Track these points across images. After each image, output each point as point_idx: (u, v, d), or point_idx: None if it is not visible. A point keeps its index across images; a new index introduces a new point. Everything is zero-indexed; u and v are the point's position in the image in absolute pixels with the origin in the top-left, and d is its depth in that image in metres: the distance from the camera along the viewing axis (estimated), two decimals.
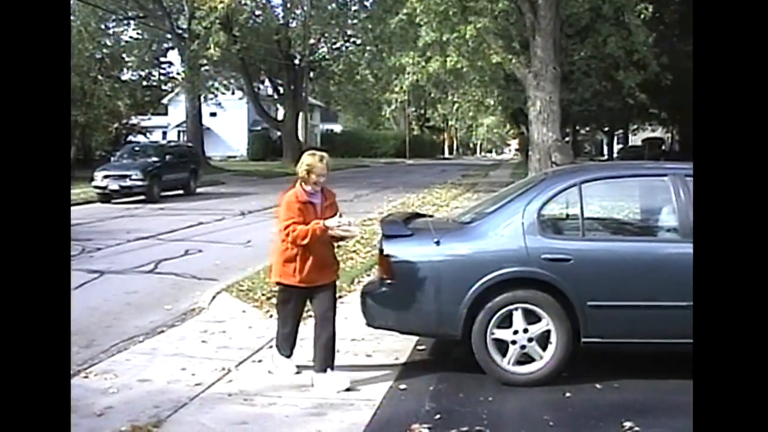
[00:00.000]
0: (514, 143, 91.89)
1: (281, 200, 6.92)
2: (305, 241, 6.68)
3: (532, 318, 6.72)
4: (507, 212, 7.01)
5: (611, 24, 24.59)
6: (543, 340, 6.73)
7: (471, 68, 24.05)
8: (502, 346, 6.76)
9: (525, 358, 6.79)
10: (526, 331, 6.70)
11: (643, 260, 6.80)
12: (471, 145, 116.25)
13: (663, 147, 50.79)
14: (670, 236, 7.06)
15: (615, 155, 57.55)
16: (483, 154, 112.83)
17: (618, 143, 63.26)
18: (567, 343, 6.69)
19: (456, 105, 44.82)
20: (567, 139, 51.90)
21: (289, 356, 7.18)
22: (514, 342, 6.73)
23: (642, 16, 22.66)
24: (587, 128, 61.64)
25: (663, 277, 6.72)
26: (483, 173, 45.21)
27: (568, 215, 7.37)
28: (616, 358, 7.23)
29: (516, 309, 6.70)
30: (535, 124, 21.86)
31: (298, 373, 7.11)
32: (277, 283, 7.14)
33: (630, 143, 61.16)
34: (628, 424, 5.83)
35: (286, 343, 7.17)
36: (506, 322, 6.73)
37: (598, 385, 6.76)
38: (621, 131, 60.98)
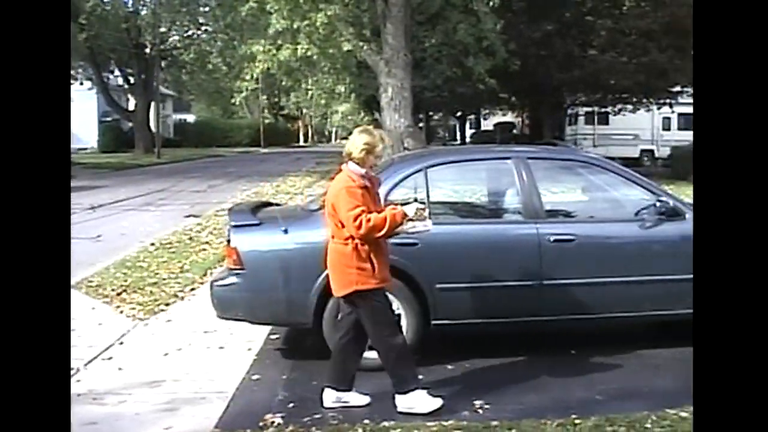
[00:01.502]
0: None
1: (336, 192, 5.82)
2: (383, 232, 5.74)
3: None
4: None
5: (461, 11, 24.98)
6: None
7: (322, 56, 23.99)
8: None
9: None
10: None
11: (489, 242, 6.97)
12: (326, 133, 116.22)
13: (514, 131, 51.89)
14: (515, 218, 7.24)
15: (468, 140, 58.50)
16: (338, 141, 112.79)
17: (471, 128, 64.31)
18: (417, 326, 6.77)
19: (309, 93, 44.71)
20: (420, 124, 52.52)
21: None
22: None
23: (491, 3, 23.09)
24: (440, 114, 62.51)
25: (508, 258, 6.91)
26: (338, 160, 45.15)
27: (415, 200, 7.43)
28: (467, 338, 7.36)
29: None
30: (387, 111, 22.00)
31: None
32: (355, 292, 5.85)
33: (482, 128, 62.23)
34: (478, 403, 5.98)
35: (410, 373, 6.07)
36: None
37: (449, 366, 6.90)
38: (473, 116, 61.98)
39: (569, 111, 41.76)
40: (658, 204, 7.05)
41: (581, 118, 41.23)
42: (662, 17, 31.86)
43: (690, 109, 38.95)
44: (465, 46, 25.64)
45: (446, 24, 25.56)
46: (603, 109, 37.64)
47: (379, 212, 5.80)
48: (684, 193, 23.09)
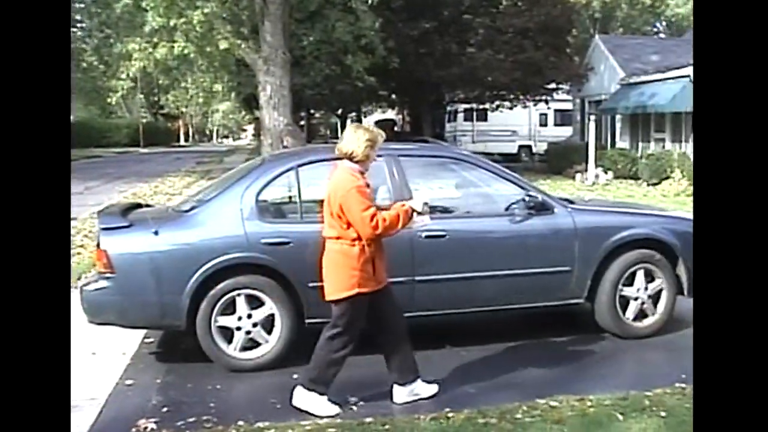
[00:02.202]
0: (251, 128, 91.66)
1: (346, 192, 5.63)
2: (396, 230, 5.74)
3: (255, 303, 6.74)
4: (225, 198, 6.97)
5: (340, 9, 24.99)
6: (268, 324, 6.77)
7: (199, 54, 23.68)
8: (228, 333, 6.74)
9: (251, 344, 6.80)
10: (250, 316, 6.72)
11: None
12: (207, 132, 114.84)
13: (395, 128, 52.30)
14: None
15: None
16: (219, 140, 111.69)
17: None
18: (292, 325, 6.77)
19: (189, 92, 44.11)
20: (302, 123, 52.40)
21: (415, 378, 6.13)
22: (239, 328, 6.73)
23: (369, 1, 23.16)
24: (322, 112, 62.51)
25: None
26: (218, 159, 44.74)
27: (287, 199, 7.42)
28: None
29: (239, 295, 6.70)
30: (266, 109, 21.84)
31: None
32: (357, 294, 5.74)
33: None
34: (353, 400, 6.03)
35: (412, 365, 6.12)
36: (230, 308, 6.71)
37: None
38: (354, 113, 62.22)
39: (449, 108, 42.31)
40: (527, 199, 7.20)
41: (460, 115, 41.83)
42: (538, 16, 32.56)
43: (565, 105, 40.06)
44: (344, 44, 25.67)
45: (325, 22, 25.52)
46: (481, 106, 38.20)
47: (405, 202, 5.87)
48: (560, 188, 23.78)
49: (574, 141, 35.21)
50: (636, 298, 7.52)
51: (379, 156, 7.25)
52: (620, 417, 5.50)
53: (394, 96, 41.37)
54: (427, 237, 6.92)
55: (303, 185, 7.07)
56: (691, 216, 9.34)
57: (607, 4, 57.68)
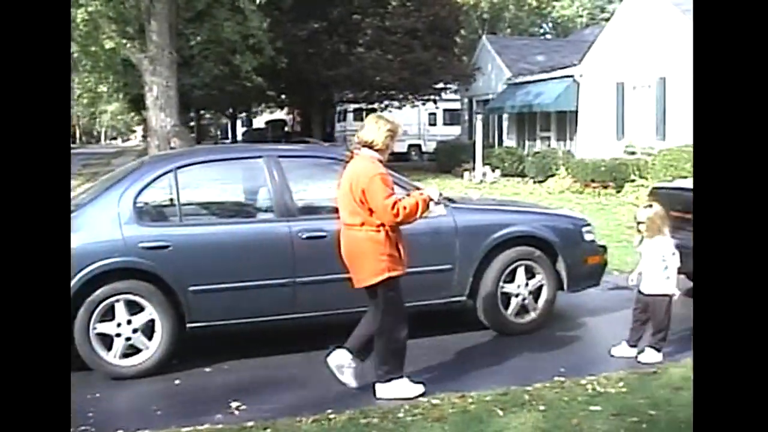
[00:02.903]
0: (140, 130, 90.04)
1: (369, 179, 5.75)
2: (416, 217, 5.89)
3: (135, 308, 6.60)
4: (103, 202, 6.82)
5: (228, 9, 24.73)
6: (148, 329, 6.65)
7: (84, 54, 23.18)
8: (107, 340, 6.58)
9: (132, 350, 6.67)
10: (129, 322, 6.59)
11: (242, 241, 6.93)
12: (95, 133, 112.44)
13: (285, 128, 52.14)
14: (267, 216, 7.23)
15: (240, 138, 58.17)
16: (108, 141, 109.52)
17: (243, 126, 64.05)
18: (173, 330, 6.67)
19: (74, 92, 43.06)
20: (191, 123, 51.74)
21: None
22: (118, 335, 6.59)
23: (257, 1, 23.00)
24: (212, 112, 61.84)
25: (261, 257, 6.91)
26: (106, 161, 43.75)
27: (166, 202, 7.31)
28: (225, 339, 7.30)
29: (117, 301, 6.55)
30: (153, 110, 21.47)
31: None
32: (387, 279, 5.90)
33: (254, 126, 62.12)
34: (235, 404, 5.94)
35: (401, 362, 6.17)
36: (109, 315, 6.55)
37: (207, 369, 6.83)
38: (245, 114, 61.77)
39: (338, 108, 42.36)
40: None
41: (350, 115, 41.90)
42: (426, 16, 32.91)
43: (454, 105, 40.52)
44: (232, 44, 25.44)
45: (213, 21, 25.23)
46: (371, 106, 38.32)
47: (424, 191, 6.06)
48: (448, 186, 24.02)
49: (463, 140, 35.67)
50: (517, 295, 7.65)
51: (258, 157, 7.24)
52: (500, 412, 5.57)
53: (283, 96, 41.18)
54: (307, 238, 6.90)
55: (182, 188, 6.96)
56: (571, 213, 9.60)
57: (495, 5, 58.49)
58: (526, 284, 7.65)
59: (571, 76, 27.74)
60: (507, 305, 7.65)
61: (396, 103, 36.54)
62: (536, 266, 7.69)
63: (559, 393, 5.97)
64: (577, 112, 27.56)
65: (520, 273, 7.61)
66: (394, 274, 5.91)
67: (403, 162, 39.90)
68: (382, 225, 5.84)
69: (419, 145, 42.59)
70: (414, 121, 42.12)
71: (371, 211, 5.81)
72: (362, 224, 5.87)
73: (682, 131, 21.20)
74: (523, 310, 7.71)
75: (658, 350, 6.90)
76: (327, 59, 32.05)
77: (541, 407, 5.66)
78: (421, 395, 6.00)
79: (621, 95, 25.24)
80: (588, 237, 8.05)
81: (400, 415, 5.59)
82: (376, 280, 5.91)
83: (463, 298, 7.54)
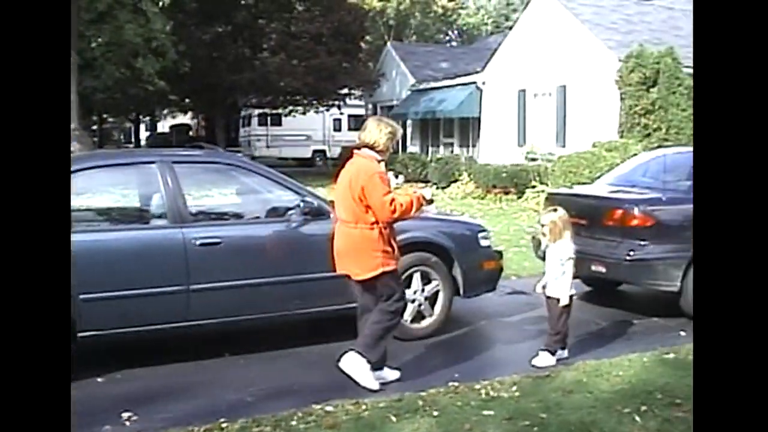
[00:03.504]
0: None
1: (369, 177, 6.10)
2: (409, 215, 6.31)
3: None
4: None
5: (130, 10, 24.36)
6: None
7: None
8: None
9: None
10: None
11: (135, 248, 6.80)
12: None
13: (190, 133, 51.57)
14: (160, 222, 7.09)
15: (143, 142, 57.27)
16: None
17: (147, 130, 63.11)
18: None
19: None
20: (94, 127, 50.73)
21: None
22: None
23: (160, 3, 22.68)
24: (114, 116, 60.71)
25: (155, 263, 6.78)
26: None
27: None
28: (118, 348, 7.16)
29: None
30: None
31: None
32: (382, 274, 6.22)
33: (158, 130, 61.29)
34: (126, 415, 5.81)
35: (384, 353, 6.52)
36: None
37: (100, 379, 6.69)
38: (148, 118, 60.87)
39: (243, 112, 42.06)
40: (302, 204, 7.20)
41: (255, 120, 41.71)
42: (331, 21, 32.88)
43: (359, 111, 40.58)
44: (134, 47, 25.06)
45: (115, 23, 24.81)
46: (275, 111, 38.15)
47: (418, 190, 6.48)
48: None
49: None
50: (413, 300, 7.66)
51: (152, 162, 7.11)
52: (394, 419, 5.57)
53: (187, 100, 40.69)
54: (201, 245, 6.81)
55: (74, 193, 6.77)
56: (467, 218, 9.69)
57: (401, 11, 58.80)
58: (423, 290, 7.69)
59: (474, 83, 28.06)
60: (403, 311, 7.63)
61: (300, 109, 36.43)
62: (432, 272, 7.73)
63: (453, 398, 6.00)
64: (479, 118, 27.88)
65: (416, 279, 7.64)
66: (387, 269, 6.21)
67: (307, 167, 39.90)
68: (376, 223, 6.13)
69: (324, 151, 42.56)
70: (319, 127, 42.12)
71: (367, 209, 6.11)
72: (356, 222, 6.17)
73: (581, 138, 21.63)
74: (419, 315, 7.73)
75: (552, 353, 7.00)
76: (231, 63, 31.80)
77: (435, 413, 5.68)
78: (314, 403, 5.95)
79: (522, 102, 25.63)
80: (484, 242, 8.13)
81: (293, 422, 5.55)
82: (371, 275, 6.21)
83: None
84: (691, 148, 13.17)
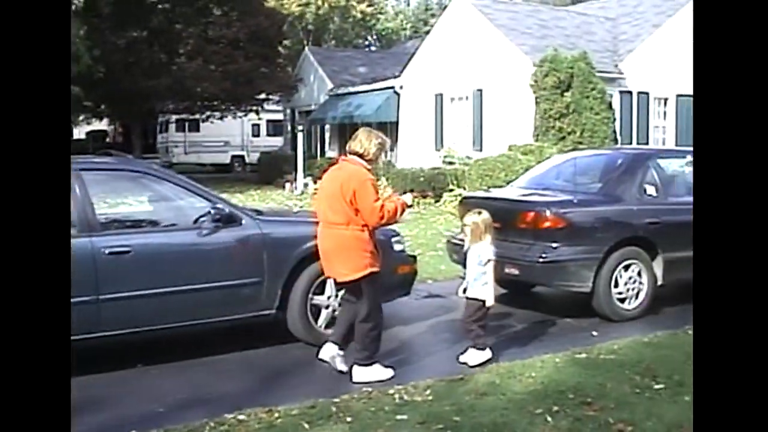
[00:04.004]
0: None
1: (361, 182, 6.52)
2: (393, 221, 6.72)
3: None
4: None
5: None
6: None
7: None
8: None
9: None
10: None
11: None
12: None
13: (107, 139, 50.77)
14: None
15: None
16: None
17: None
18: None
19: None
20: None
21: None
22: None
23: (74, 7, 22.27)
24: None
25: None
26: None
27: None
28: None
29: None
30: None
31: None
32: (369, 274, 6.60)
33: (74, 136, 60.12)
34: None
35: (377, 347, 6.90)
36: None
37: None
38: None
39: (160, 118, 41.51)
40: (213, 211, 7.11)
41: (172, 126, 41.18)
42: (248, 26, 32.66)
43: (277, 116, 40.43)
44: None
45: None
46: (193, 117, 37.75)
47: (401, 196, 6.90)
48: (269, 198, 23.93)
49: (286, 151, 35.64)
50: (327, 306, 7.65)
51: None
52: (306, 426, 5.54)
53: (103, 107, 39.98)
54: (110, 253, 6.68)
55: None
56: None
57: (320, 16, 58.66)
58: (336, 295, 7.65)
59: (392, 88, 28.17)
60: (317, 317, 7.62)
61: (218, 114, 36.11)
62: None
63: (367, 404, 6.00)
64: (397, 123, 27.98)
65: (330, 284, 7.60)
66: (375, 269, 6.60)
67: (226, 173, 39.59)
68: (366, 225, 6.50)
69: (243, 156, 42.27)
70: (237, 133, 41.80)
71: (357, 212, 6.46)
72: (348, 223, 6.51)
73: (497, 141, 21.87)
74: (333, 321, 7.69)
75: (482, 349, 7.06)
76: (147, 69, 31.34)
77: (348, 419, 5.67)
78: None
79: (440, 106, 25.81)
80: (397, 247, 8.14)
81: None
82: (359, 275, 6.54)
83: (273, 311, 7.44)
84: (602, 151, 13.49)
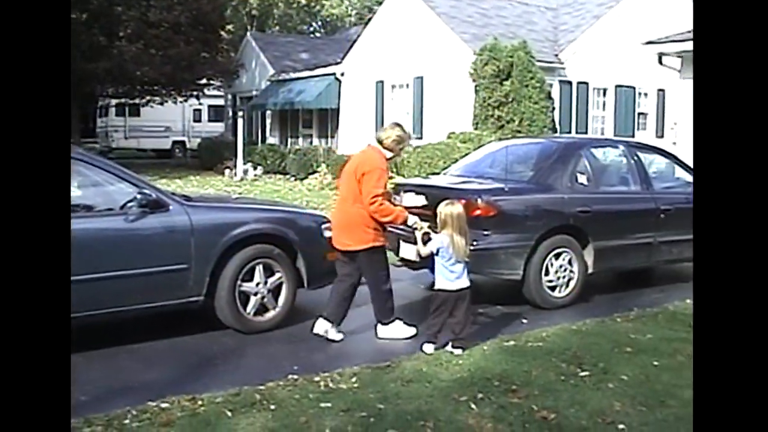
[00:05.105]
0: None
1: (373, 167, 7.20)
2: (385, 220, 7.24)
3: None
4: None
5: None
6: None
7: None
8: None
9: None
10: None
11: None
12: None
13: None
14: None
15: None
16: None
17: None
18: None
19: None
20: None
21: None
22: None
23: None
24: None
25: None
26: None
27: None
28: None
29: None
30: None
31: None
32: (371, 248, 7.28)
33: None
34: None
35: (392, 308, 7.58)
36: None
37: None
38: None
39: (100, 102, 40.94)
40: (140, 196, 7.01)
41: (112, 110, 40.64)
42: (190, 11, 32.29)
43: (219, 101, 40.12)
44: None
45: None
46: (133, 101, 37.25)
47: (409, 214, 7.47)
48: (208, 183, 23.78)
49: (227, 137, 35.43)
50: (256, 293, 7.61)
51: None
52: (230, 414, 5.50)
53: None
54: None
55: None
56: (310, 210, 9.68)
57: (264, 1, 58.31)
58: (266, 282, 7.62)
59: (334, 74, 28.10)
60: (246, 304, 7.58)
61: (158, 99, 35.67)
62: (275, 264, 7.68)
63: (292, 391, 5.97)
64: (338, 109, 27.94)
65: (259, 271, 7.56)
66: (377, 244, 7.29)
67: (166, 159, 39.19)
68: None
69: (183, 142, 41.89)
70: (178, 118, 41.40)
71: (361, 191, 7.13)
72: (354, 201, 7.20)
73: (437, 129, 21.92)
74: (262, 308, 7.67)
75: (463, 349, 7.07)
76: (86, 52, 30.77)
77: (272, 406, 5.65)
78: (150, 400, 5.83)
79: (381, 93, 25.81)
80: (328, 234, 8.11)
81: (126, 421, 5.41)
82: (362, 248, 7.25)
83: (201, 297, 7.37)
84: (537, 139, 13.58)
